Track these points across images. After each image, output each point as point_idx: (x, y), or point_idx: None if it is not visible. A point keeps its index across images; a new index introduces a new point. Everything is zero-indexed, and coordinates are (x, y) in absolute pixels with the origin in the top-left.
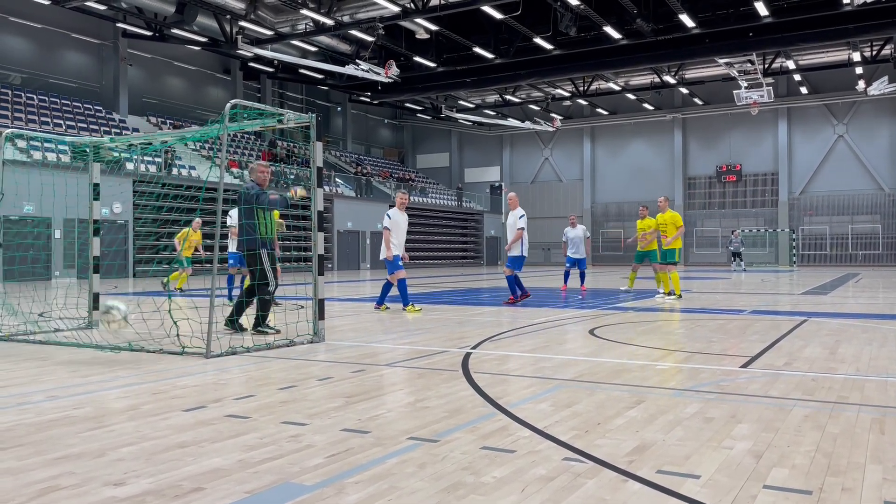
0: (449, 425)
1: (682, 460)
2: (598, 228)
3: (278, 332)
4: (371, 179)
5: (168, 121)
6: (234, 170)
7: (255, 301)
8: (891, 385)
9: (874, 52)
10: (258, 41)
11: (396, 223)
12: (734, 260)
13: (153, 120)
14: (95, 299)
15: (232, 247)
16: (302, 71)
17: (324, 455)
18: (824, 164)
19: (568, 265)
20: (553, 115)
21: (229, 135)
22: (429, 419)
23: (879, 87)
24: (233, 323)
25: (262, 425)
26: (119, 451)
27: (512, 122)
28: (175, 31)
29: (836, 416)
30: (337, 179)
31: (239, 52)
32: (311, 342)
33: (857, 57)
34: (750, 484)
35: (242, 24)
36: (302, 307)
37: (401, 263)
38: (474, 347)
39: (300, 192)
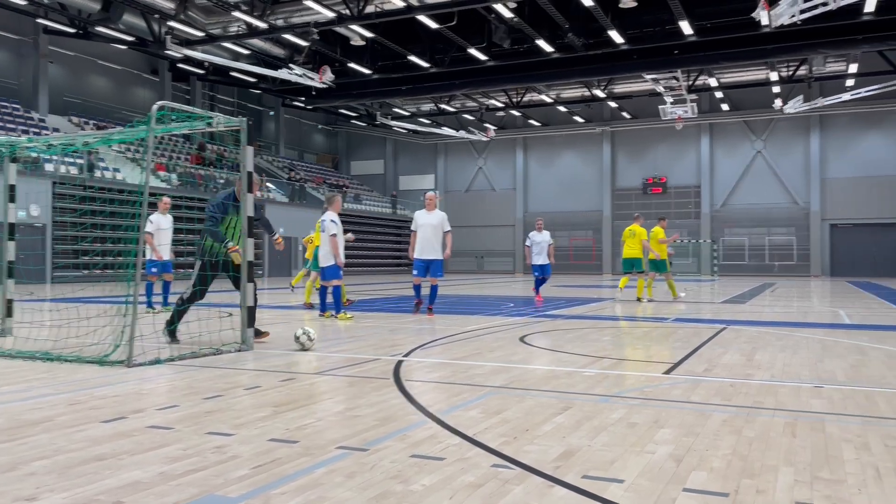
0: (379, 434)
1: (607, 465)
2: None
3: (177, 342)
4: (304, 185)
5: (91, 121)
6: (162, 173)
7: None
8: (803, 390)
9: (791, 73)
10: (188, 42)
11: (340, 229)
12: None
13: (75, 120)
14: (9, 306)
15: (149, 254)
16: (234, 74)
17: (249, 466)
18: (744, 179)
19: (537, 273)
20: (487, 125)
21: (157, 137)
22: (359, 428)
23: (795, 106)
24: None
25: (186, 436)
26: (32, 464)
27: (447, 130)
28: (100, 28)
29: (752, 421)
30: (269, 185)
31: (167, 52)
32: (240, 351)
33: (774, 76)
34: (670, 487)
35: (171, 24)
36: (230, 315)
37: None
38: (406, 355)
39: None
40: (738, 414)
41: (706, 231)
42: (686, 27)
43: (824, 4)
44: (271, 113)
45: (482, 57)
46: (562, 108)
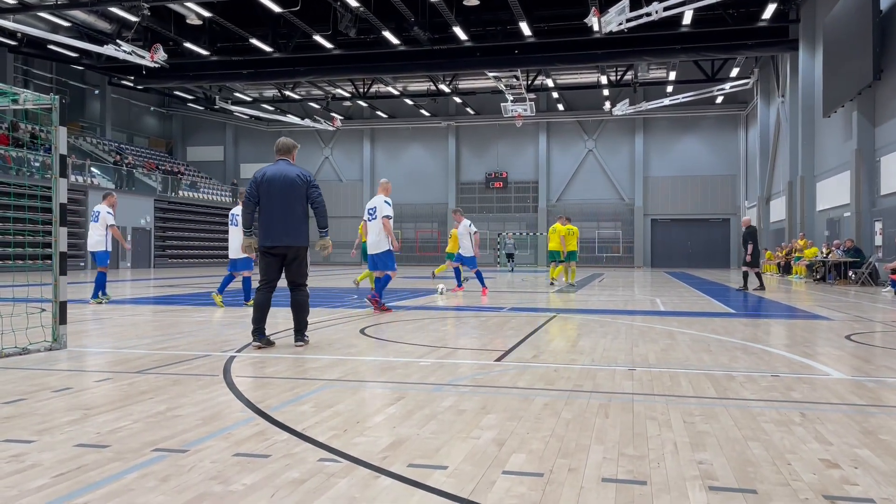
0: (201, 433)
1: (433, 453)
2: None
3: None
4: (133, 171)
5: None
6: None
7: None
8: (618, 373)
9: (619, 77)
10: None
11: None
12: (509, 261)
13: None
14: None
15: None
16: (52, 47)
17: (51, 475)
18: (577, 175)
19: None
20: (333, 114)
21: None
22: (179, 428)
23: (622, 109)
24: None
25: None
26: None
27: (291, 118)
28: None
29: (571, 403)
30: (93, 169)
31: None
32: (50, 349)
33: (604, 80)
34: (491, 471)
35: None
36: (44, 310)
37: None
38: (239, 350)
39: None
40: (559, 397)
41: (543, 224)
42: (525, 28)
43: (648, 15)
44: (96, 92)
45: (328, 45)
46: (408, 101)
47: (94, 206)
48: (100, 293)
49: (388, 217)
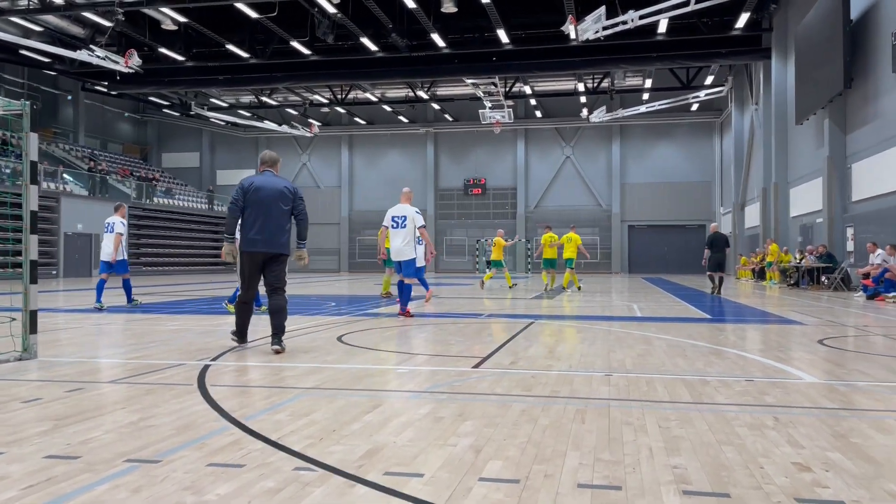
0: (174, 443)
1: (410, 460)
2: (356, 236)
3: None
4: (107, 177)
5: None
6: None
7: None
8: (594, 379)
9: (595, 84)
10: None
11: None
12: (488, 267)
13: None
14: None
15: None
16: (24, 52)
17: (19, 487)
18: (555, 182)
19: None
20: (311, 120)
21: None
22: (152, 438)
23: (599, 116)
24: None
25: None
26: None
27: (269, 124)
28: None
29: (548, 409)
30: (65, 176)
31: None
32: (20, 359)
33: (581, 87)
34: (467, 478)
35: None
36: (13, 319)
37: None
38: (214, 359)
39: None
40: (535, 404)
41: (521, 230)
42: (503, 35)
43: (624, 23)
44: (69, 97)
45: (305, 51)
46: (387, 108)
47: (107, 217)
48: (101, 300)
49: (424, 226)
